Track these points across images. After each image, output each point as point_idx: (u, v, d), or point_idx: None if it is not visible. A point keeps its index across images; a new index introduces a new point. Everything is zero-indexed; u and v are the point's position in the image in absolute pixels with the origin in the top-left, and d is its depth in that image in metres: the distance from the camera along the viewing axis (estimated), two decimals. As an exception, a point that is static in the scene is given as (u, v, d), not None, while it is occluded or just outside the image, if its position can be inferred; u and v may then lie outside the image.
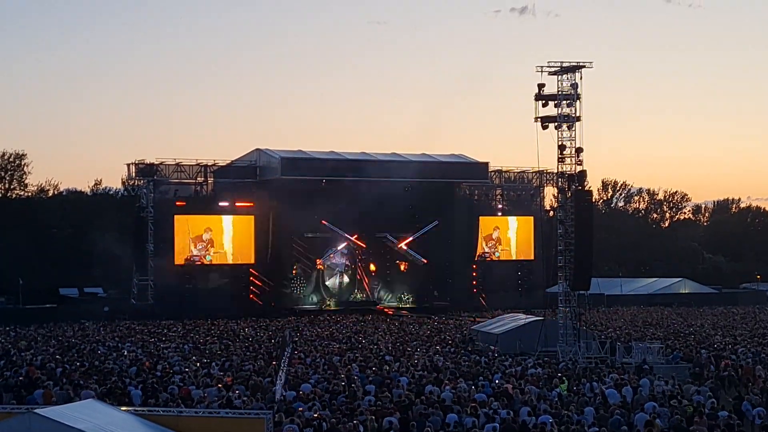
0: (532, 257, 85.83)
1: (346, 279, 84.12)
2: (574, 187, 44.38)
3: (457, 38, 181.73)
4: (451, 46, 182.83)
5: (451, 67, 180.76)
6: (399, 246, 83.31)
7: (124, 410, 18.09)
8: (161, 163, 76.77)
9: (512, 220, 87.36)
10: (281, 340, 26.20)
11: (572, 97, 44.46)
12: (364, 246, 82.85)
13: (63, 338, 50.93)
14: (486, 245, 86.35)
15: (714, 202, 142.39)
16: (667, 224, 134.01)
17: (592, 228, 45.32)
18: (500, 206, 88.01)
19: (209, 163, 79.00)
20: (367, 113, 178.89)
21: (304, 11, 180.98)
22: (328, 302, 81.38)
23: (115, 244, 74.74)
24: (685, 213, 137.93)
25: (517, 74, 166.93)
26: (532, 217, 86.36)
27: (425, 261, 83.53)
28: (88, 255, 78.01)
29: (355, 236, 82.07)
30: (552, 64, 44.67)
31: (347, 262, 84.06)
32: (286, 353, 24.86)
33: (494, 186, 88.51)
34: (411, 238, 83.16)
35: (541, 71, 44.64)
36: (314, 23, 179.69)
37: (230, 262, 78.10)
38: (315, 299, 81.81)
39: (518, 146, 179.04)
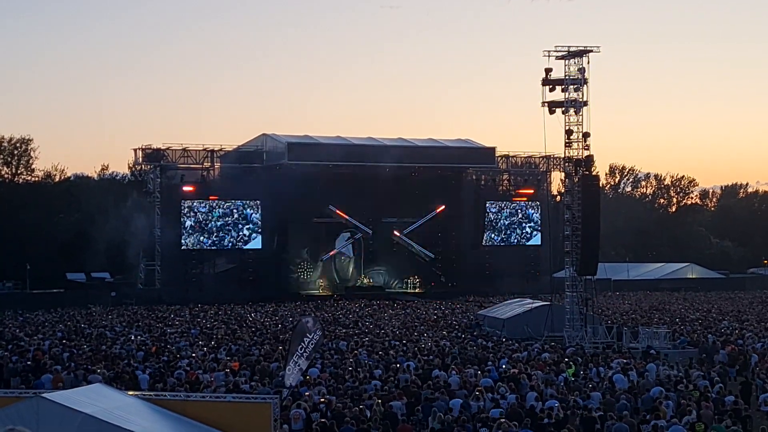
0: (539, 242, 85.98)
1: (352, 264, 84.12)
2: (581, 172, 44.30)
3: (469, 22, 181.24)
4: (462, 30, 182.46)
5: (462, 51, 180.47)
6: (402, 238, 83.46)
7: (132, 394, 18.13)
8: (168, 148, 76.78)
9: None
10: (298, 325, 25.86)
11: (579, 81, 44.32)
12: (370, 231, 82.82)
13: (70, 323, 51.04)
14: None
15: (721, 186, 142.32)
16: (674, 209, 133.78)
17: (599, 213, 45.25)
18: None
19: (216, 148, 78.96)
20: (374, 98, 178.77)
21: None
22: (322, 283, 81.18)
23: (122, 229, 74.86)
24: (692, 198, 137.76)
25: (527, 58, 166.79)
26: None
27: (432, 256, 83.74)
28: (95, 240, 78.13)
29: (362, 221, 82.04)
30: (559, 48, 44.51)
31: (353, 247, 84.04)
32: (307, 340, 24.55)
33: (501, 171, 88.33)
34: (411, 228, 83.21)
35: (549, 56, 44.51)
36: (324, 8, 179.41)
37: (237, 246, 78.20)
38: (321, 284, 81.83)
39: (525, 131, 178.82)
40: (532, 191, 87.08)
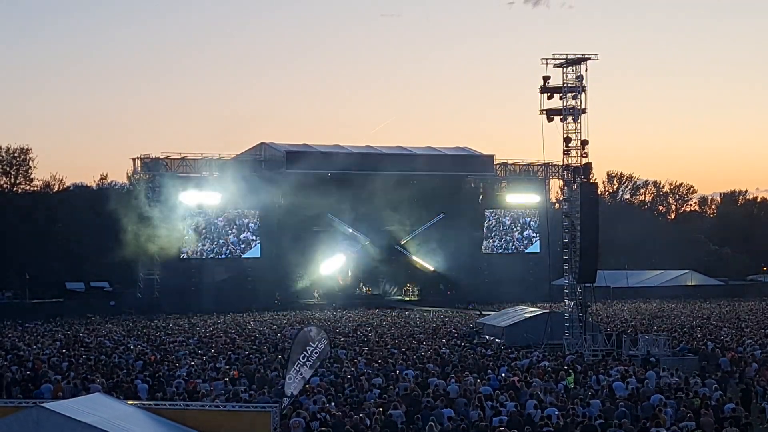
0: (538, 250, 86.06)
1: (351, 273, 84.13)
2: (579, 179, 44.25)
3: (468, 31, 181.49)
4: (461, 38, 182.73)
5: (460, 59, 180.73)
6: (401, 248, 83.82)
7: (131, 404, 18.09)
8: (167, 158, 76.84)
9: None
10: (299, 333, 25.72)
11: (578, 89, 44.26)
12: (369, 240, 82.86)
13: (70, 332, 51.00)
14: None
15: (720, 193, 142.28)
16: (673, 216, 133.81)
17: (598, 220, 45.18)
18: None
19: (214, 157, 78.97)
20: (373, 106, 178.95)
21: (314, 3, 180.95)
22: (321, 292, 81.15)
23: (121, 238, 74.84)
24: (691, 205, 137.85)
25: (526, 66, 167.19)
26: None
27: (431, 267, 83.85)
28: (94, 249, 78.05)
29: (361, 230, 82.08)
30: (557, 56, 44.49)
31: (352, 256, 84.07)
32: (311, 349, 24.45)
33: (500, 179, 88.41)
34: (411, 236, 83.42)
35: (547, 63, 44.48)
36: (324, 16, 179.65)
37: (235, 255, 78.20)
38: (320, 293, 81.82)
39: (524, 139, 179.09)
40: (530, 199, 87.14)
